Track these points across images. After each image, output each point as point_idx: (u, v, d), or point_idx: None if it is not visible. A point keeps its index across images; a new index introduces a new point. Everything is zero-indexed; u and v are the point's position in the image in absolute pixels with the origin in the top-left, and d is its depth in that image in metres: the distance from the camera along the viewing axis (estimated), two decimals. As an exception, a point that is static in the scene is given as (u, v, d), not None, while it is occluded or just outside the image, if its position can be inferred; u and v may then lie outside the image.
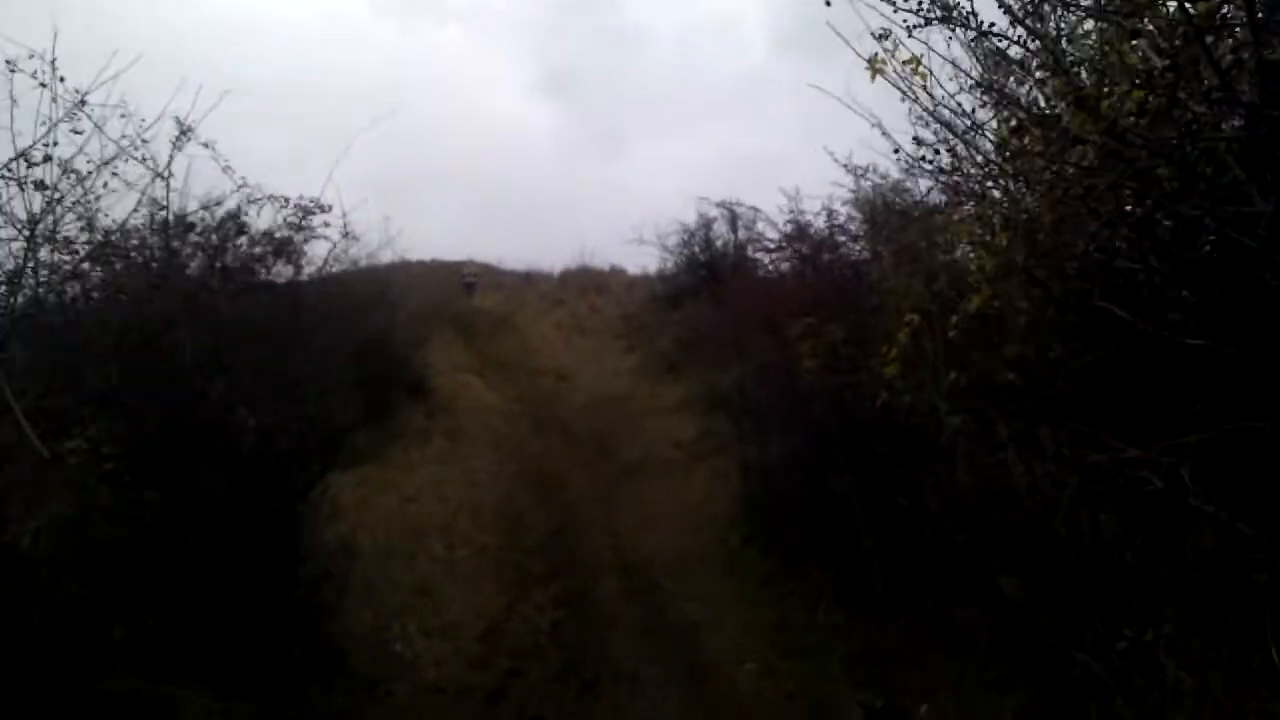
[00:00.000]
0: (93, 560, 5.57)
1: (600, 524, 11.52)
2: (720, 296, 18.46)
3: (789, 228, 13.21)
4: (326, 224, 8.68)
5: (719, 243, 20.41)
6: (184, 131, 7.12)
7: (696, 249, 20.71)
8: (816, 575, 9.16)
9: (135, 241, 7.35)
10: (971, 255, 6.69)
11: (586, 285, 25.12)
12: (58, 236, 6.29)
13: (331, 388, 10.04)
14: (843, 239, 12.21)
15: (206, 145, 7.21)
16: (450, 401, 15.56)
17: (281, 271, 8.80)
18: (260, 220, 8.42)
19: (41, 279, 6.23)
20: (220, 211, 7.88)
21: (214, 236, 8.01)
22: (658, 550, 10.51)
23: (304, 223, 8.42)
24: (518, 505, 11.99)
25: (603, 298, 24.27)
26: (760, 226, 14.50)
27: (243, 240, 8.26)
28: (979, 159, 8.00)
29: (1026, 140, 5.44)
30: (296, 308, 8.73)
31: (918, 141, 7.13)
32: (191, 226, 7.82)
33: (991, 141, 8.16)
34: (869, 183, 10.88)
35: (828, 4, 6.17)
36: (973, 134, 8.16)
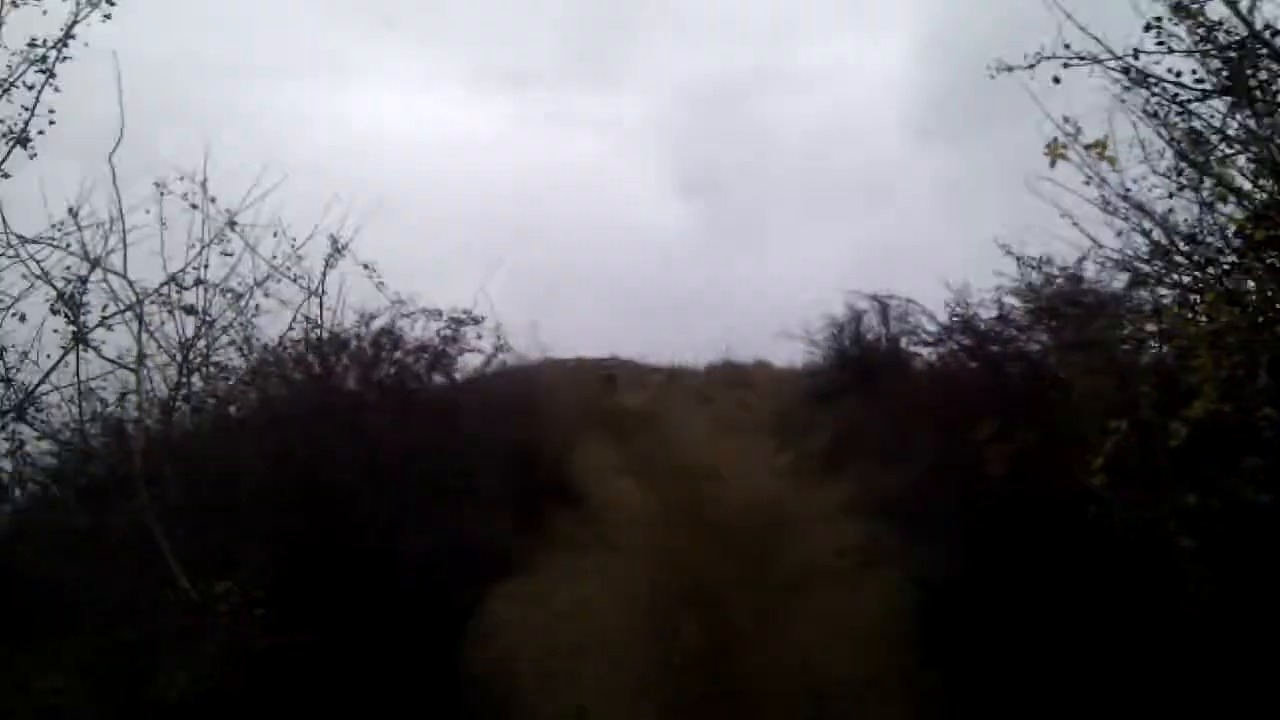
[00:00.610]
0: (243, 713, 5.24)
1: (764, 641, 10.80)
2: (875, 392, 17.72)
3: (954, 319, 12.41)
4: (479, 335, 8.49)
5: (869, 335, 19.66)
6: (338, 249, 7.04)
7: (846, 342, 19.99)
8: (1006, 706, 8.29)
9: (291, 359, 7.24)
10: (1192, 354, 5.94)
11: (733, 381, 24.59)
12: (211, 362, 6.15)
13: (489, 501, 9.76)
14: (1013, 332, 11.45)
15: (366, 266, 7.13)
16: (603, 507, 15.10)
17: (436, 383, 8.61)
18: (413, 333, 8.29)
19: (195, 405, 6.07)
20: (374, 326, 7.77)
21: (369, 350, 7.87)
22: (828, 673, 9.73)
23: (457, 334, 8.23)
24: (676, 620, 11.36)
25: (750, 393, 23.67)
26: (916, 318, 13.72)
27: (397, 354, 8.11)
28: (1184, 246, 7.30)
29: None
30: (453, 421, 8.48)
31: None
32: (346, 344, 7.68)
33: (1189, 228, 7.47)
34: (1043, 273, 10.12)
35: (992, 77, 5.68)
36: (1169, 218, 7.48)
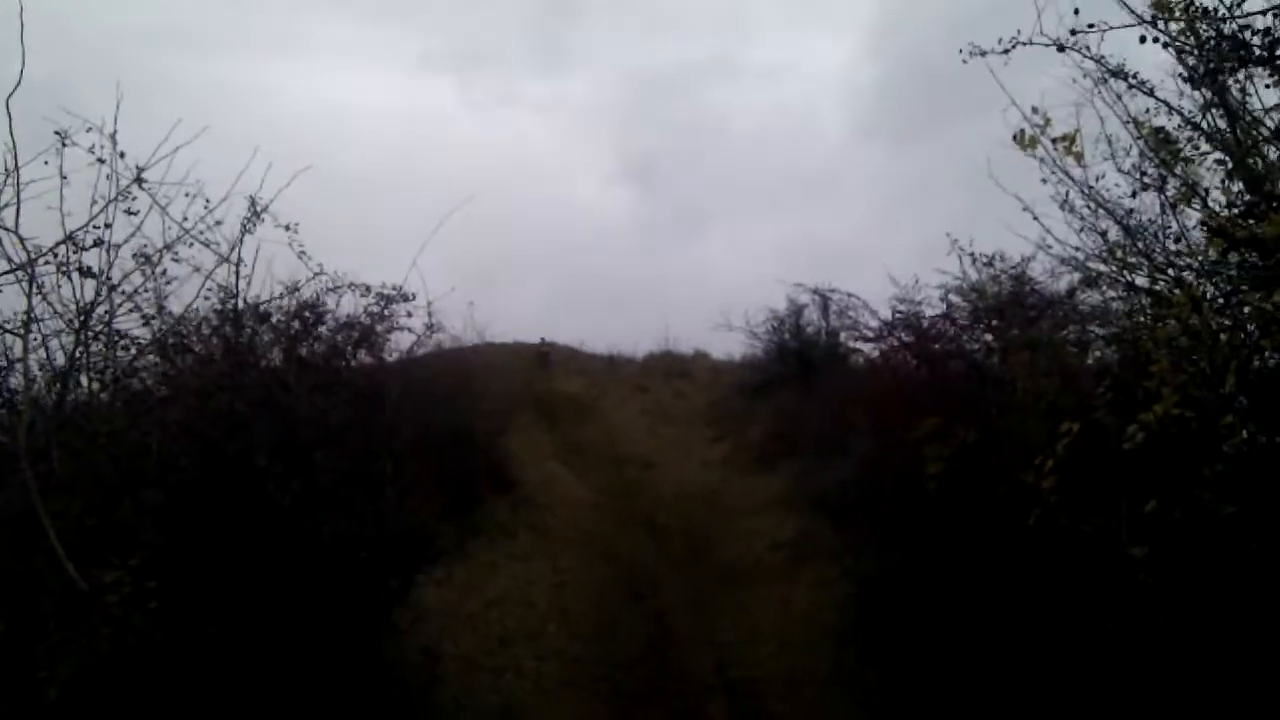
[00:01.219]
0: (135, 711, 4.82)
1: (699, 635, 10.58)
2: (813, 386, 17.62)
3: (896, 316, 12.24)
4: (409, 313, 8.10)
5: (810, 329, 19.56)
6: (256, 212, 6.52)
7: (786, 335, 19.86)
8: (947, 705, 8.17)
9: (204, 332, 6.77)
10: (1149, 357, 5.78)
11: (670, 370, 24.41)
12: (113, 330, 5.68)
13: (414, 485, 9.39)
14: (955, 331, 11.34)
15: (287, 228, 6.62)
16: (535, 493, 14.75)
17: (362, 363, 8.19)
18: (340, 309, 7.88)
19: (94, 377, 5.61)
20: (298, 298, 7.34)
21: (293, 325, 7.42)
22: (765, 668, 9.55)
23: (387, 311, 7.83)
24: (609, 611, 11.10)
25: (687, 383, 23.52)
26: (857, 313, 13.54)
27: (321, 330, 7.69)
28: (1140, 246, 7.20)
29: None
30: (378, 402, 8.06)
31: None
32: (267, 316, 7.23)
33: (1150, 227, 7.37)
34: (992, 270, 10.01)
35: (965, 62, 5.51)
36: (1129, 218, 7.37)
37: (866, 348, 13.10)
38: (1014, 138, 5.46)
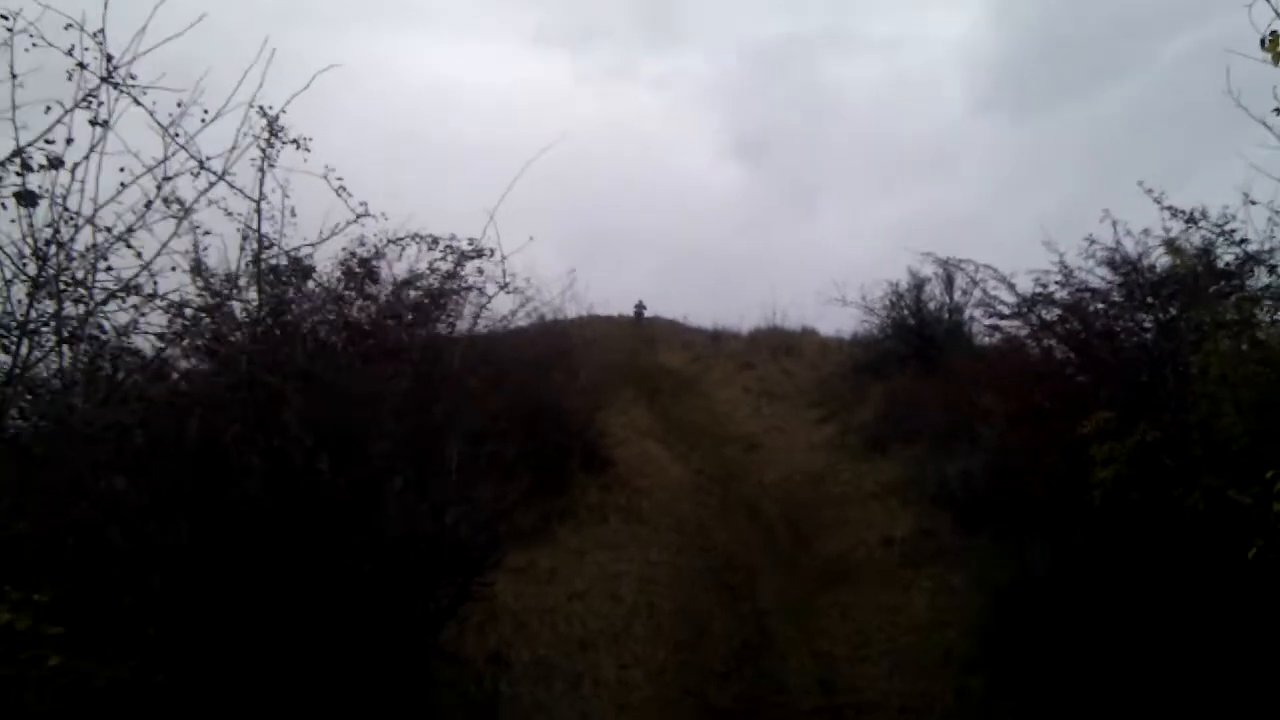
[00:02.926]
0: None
1: (800, 643, 9.20)
2: (934, 367, 15.96)
3: (1038, 290, 10.47)
4: (480, 271, 6.83)
5: (932, 305, 17.79)
6: (273, 131, 5.22)
7: (905, 311, 18.11)
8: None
9: (220, 291, 5.57)
10: None
11: (777, 347, 22.84)
12: (66, 277, 4.48)
13: (488, 468, 8.21)
14: (1109, 308, 9.61)
15: (298, 145, 5.30)
16: (629, 474, 13.51)
17: (433, 330, 6.96)
18: (402, 265, 6.69)
19: (63, 337, 4.44)
20: (343, 251, 6.13)
21: (343, 282, 6.21)
22: (876, 689, 8.14)
23: (458, 269, 6.58)
24: (702, 610, 9.79)
25: (794, 360, 21.95)
26: (991, 287, 11.74)
27: (378, 290, 6.48)
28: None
29: None
30: (447, 376, 6.80)
31: None
32: (309, 270, 6.01)
33: None
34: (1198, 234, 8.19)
35: None
36: None
37: (1003, 325, 11.29)
38: (1263, 42, 3.92)
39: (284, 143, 5.42)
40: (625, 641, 8.85)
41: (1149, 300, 9.12)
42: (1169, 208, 7.62)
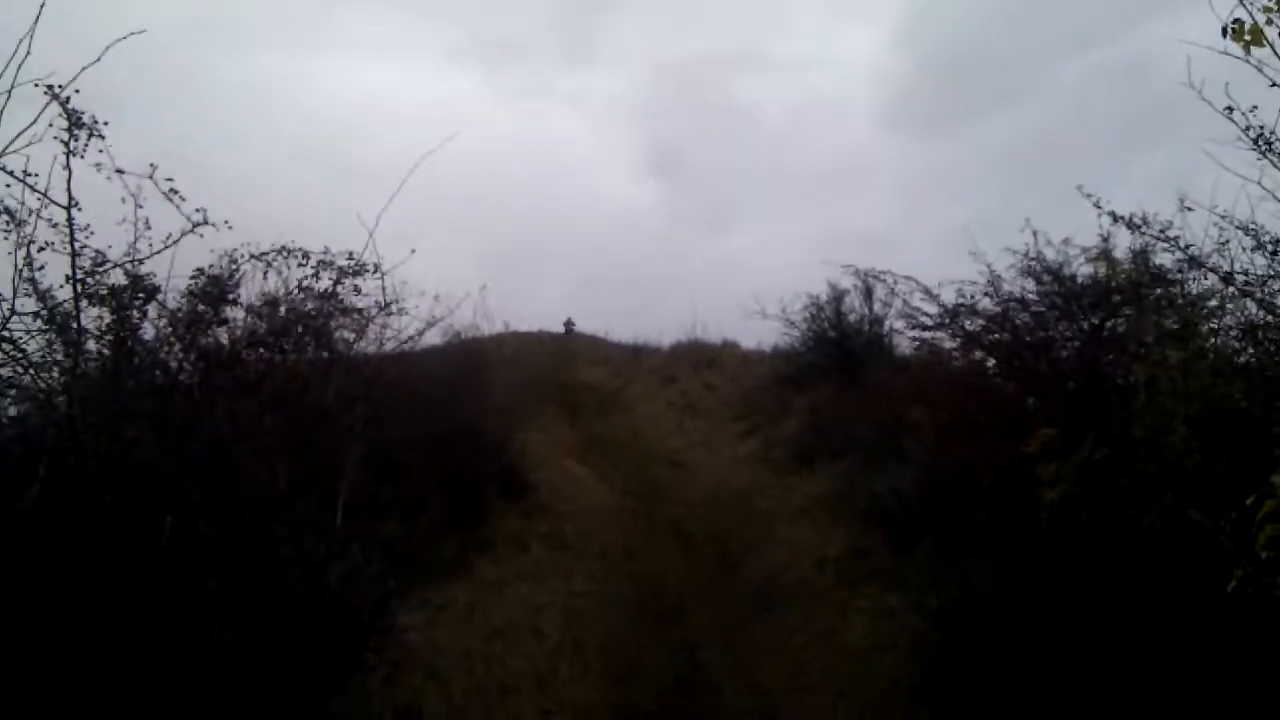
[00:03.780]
0: None
1: (735, 675, 8.65)
2: (856, 379, 15.59)
3: (961, 301, 10.09)
4: (357, 289, 6.09)
5: (852, 317, 17.44)
6: (72, 119, 4.32)
7: (825, 324, 17.73)
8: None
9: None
10: None
11: (698, 360, 22.29)
12: None
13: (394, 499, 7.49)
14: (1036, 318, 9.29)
15: (92, 132, 4.42)
16: (551, 498, 12.79)
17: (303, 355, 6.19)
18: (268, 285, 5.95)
19: None
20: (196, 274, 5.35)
21: (191, 304, 5.41)
22: (810, 723, 7.62)
23: (337, 286, 5.84)
24: (631, 643, 9.17)
25: (716, 374, 21.43)
26: (912, 299, 11.34)
27: (234, 313, 5.70)
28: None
29: None
30: (319, 405, 6.02)
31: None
32: (154, 291, 5.21)
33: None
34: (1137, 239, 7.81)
35: None
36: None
37: (926, 336, 10.90)
38: (1226, 30, 3.47)
39: (88, 131, 4.54)
40: (550, 683, 8.19)
41: (1076, 309, 8.81)
42: (1110, 213, 7.24)
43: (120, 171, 4.99)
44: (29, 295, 4.78)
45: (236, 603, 4.59)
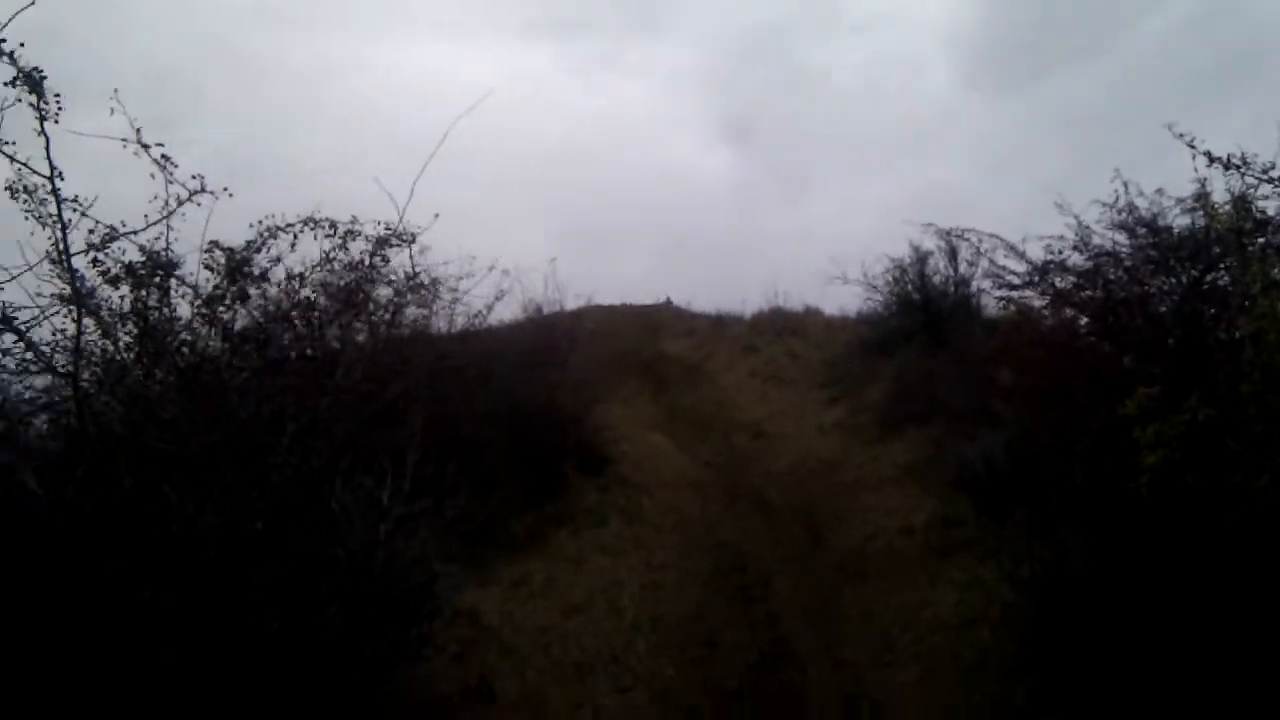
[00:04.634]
0: None
1: (820, 651, 8.23)
2: (944, 342, 14.93)
3: (1050, 258, 9.41)
4: (385, 259, 5.79)
5: (936, 279, 16.74)
6: (23, 75, 3.97)
7: (910, 286, 17.06)
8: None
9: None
10: None
11: (781, 329, 21.81)
12: None
13: (470, 475, 7.26)
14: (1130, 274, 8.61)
15: (42, 104, 4.05)
16: (630, 471, 12.52)
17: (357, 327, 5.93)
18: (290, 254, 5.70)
19: None
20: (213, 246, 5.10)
21: (216, 280, 5.19)
22: (906, 701, 7.18)
23: (374, 260, 5.57)
24: (711, 618, 8.83)
25: (799, 341, 20.92)
26: (998, 257, 10.64)
27: (263, 288, 5.46)
28: None
29: None
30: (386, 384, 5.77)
31: None
32: (173, 266, 4.99)
33: None
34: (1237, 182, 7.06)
35: None
36: None
37: (1015, 296, 10.21)
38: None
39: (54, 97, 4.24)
40: (628, 661, 7.90)
41: (1174, 262, 8.13)
42: (1206, 153, 6.55)
43: (164, 161, 4.81)
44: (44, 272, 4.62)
45: (274, 591, 4.38)
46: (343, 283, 5.86)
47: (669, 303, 26.31)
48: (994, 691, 6.98)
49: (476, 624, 7.67)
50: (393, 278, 6.30)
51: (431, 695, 6.30)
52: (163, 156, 4.73)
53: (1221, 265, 7.95)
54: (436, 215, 5.72)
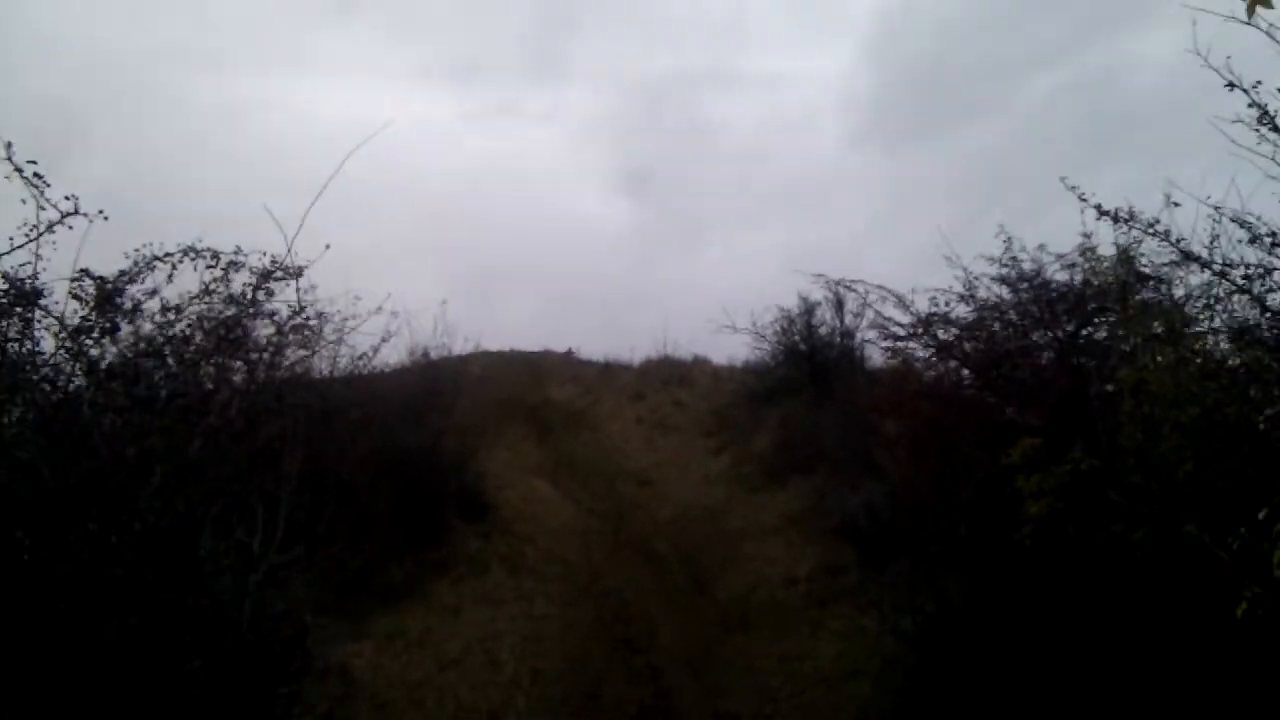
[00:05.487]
0: None
1: (702, 702, 8.17)
2: (828, 393, 15.19)
3: (933, 311, 9.67)
4: (269, 292, 5.57)
5: (823, 329, 17.06)
6: None
7: (797, 337, 17.34)
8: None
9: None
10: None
11: (669, 377, 21.84)
12: None
13: (347, 521, 7.00)
14: (1012, 326, 8.95)
15: None
16: (513, 518, 12.27)
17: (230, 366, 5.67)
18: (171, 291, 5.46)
19: None
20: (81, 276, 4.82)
21: (84, 311, 4.91)
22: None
23: (257, 293, 5.34)
24: (592, 670, 8.65)
25: (687, 391, 20.99)
26: (884, 309, 10.87)
27: (135, 324, 5.18)
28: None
29: None
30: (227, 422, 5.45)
31: None
32: (37, 295, 4.69)
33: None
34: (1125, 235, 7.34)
35: None
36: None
37: (899, 347, 10.43)
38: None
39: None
40: (505, 716, 7.65)
41: (1054, 316, 8.47)
42: (1096, 206, 6.81)
43: (36, 178, 4.53)
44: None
45: (132, 643, 4.08)
46: (222, 316, 5.60)
47: (570, 353, 26.08)
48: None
49: (348, 679, 7.33)
50: (275, 315, 6.05)
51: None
52: (35, 174, 4.45)
53: (1096, 320, 8.33)
54: (327, 246, 5.50)
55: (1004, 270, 9.06)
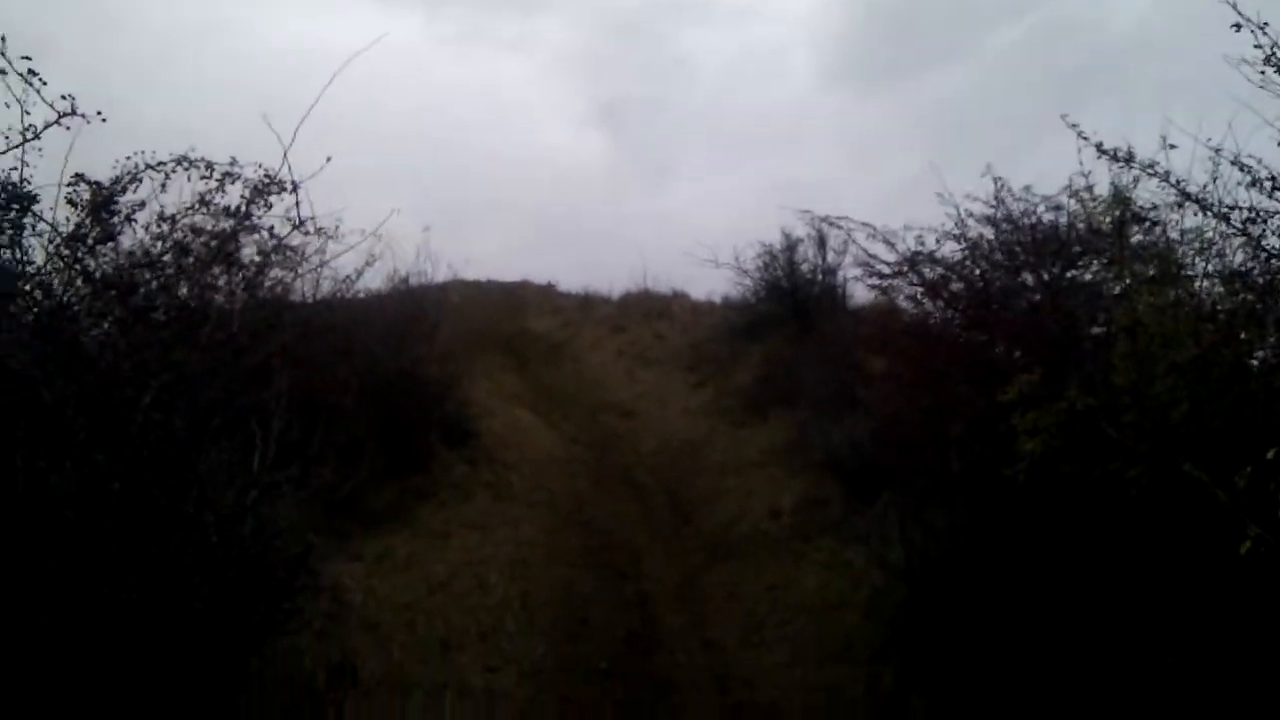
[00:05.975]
0: None
1: (689, 631, 8.25)
2: (810, 329, 15.21)
3: (919, 249, 9.59)
4: (267, 204, 5.42)
5: (805, 266, 17.00)
6: None
7: (780, 273, 17.28)
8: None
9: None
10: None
11: (648, 310, 21.75)
12: None
13: (335, 444, 6.94)
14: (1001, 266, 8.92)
15: None
16: (498, 446, 12.25)
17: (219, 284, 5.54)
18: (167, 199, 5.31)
19: None
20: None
21: (75, 218, 4.73)
22: (775, 684, 7.24)
23: (250, 207, 5.18)
24: (580, 596, 8.69)
25: (667, 324, 20.93)
26: (870, 246, 10.76)
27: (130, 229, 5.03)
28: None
29: None
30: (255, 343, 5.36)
31: None
32: (31, 200, 4.53)
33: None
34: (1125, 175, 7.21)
35: None
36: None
37: (885, 285, 10.36)
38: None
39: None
40: (495, 639, 7.69)
41: (1038, 257, 8.44)
42: (1097, 145, 6.71)
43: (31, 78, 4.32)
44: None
45: (136, 558, 4.02)
46: (216, 229, 5.44)
47: (550, 285, 25.84)
48: (865, 673, 7.12)
49: (339, 599, 7.33)
50: (273, 229, 5.88)
51: (296, 672, 5.98)
52: (29, 71, 4.25)
53: (1080, 263, 8.32)
54: (329, 159, 5.33)
55: (991, 210, 9.01)
